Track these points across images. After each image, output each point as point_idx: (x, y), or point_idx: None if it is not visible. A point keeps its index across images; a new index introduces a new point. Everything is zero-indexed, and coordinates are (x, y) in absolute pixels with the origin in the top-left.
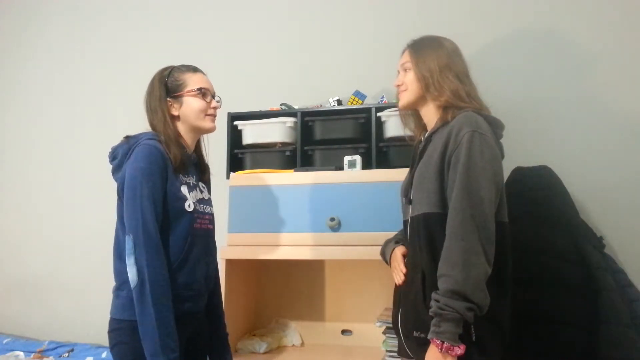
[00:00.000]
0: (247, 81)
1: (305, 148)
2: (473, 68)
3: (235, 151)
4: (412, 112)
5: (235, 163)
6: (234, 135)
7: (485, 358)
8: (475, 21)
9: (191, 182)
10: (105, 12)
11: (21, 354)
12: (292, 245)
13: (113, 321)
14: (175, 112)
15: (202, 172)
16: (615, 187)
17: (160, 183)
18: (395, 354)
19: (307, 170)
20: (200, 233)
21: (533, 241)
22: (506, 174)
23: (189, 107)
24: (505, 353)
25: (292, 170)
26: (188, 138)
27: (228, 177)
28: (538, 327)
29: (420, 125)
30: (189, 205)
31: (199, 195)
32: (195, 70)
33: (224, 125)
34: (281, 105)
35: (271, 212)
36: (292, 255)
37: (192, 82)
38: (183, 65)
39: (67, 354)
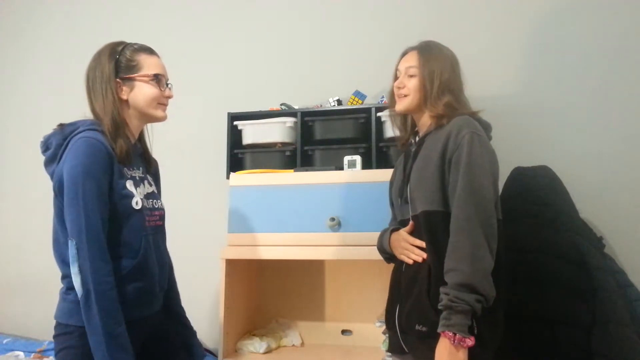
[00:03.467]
0: (247, 81)
1: (305, 148)
2: (473, 68)
3: (235, 151)
4: (404, 115)
5: (235, 163)
6: (234, 135)
7: (485, 350)
8: (475, 21)
9: (137, 175)
10: (105, 11)
11: (21, 354)
12: (292, 245)
13: (59, 326)
14: (124, 96)
15: (148, 163)
16: (615, 187)
17: (104, 180)
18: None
19: (307, 170)
20: (151, 232)
21: (533, 241)
22: (506, 174)
23: (141, 93)
24: (500, 345)
25: (292, 170)
26: (133, 126)
27: (228, 177)
28: (538, 327)
29: (408, 126)
30: (137, 203)
31: (147, 189)
32: (151, 52)
33: (224, 125)
34: (281, 105)
35: (271, 212)
36: (292, 255)
37: (147, 65)
38: (137, 44)
39: None
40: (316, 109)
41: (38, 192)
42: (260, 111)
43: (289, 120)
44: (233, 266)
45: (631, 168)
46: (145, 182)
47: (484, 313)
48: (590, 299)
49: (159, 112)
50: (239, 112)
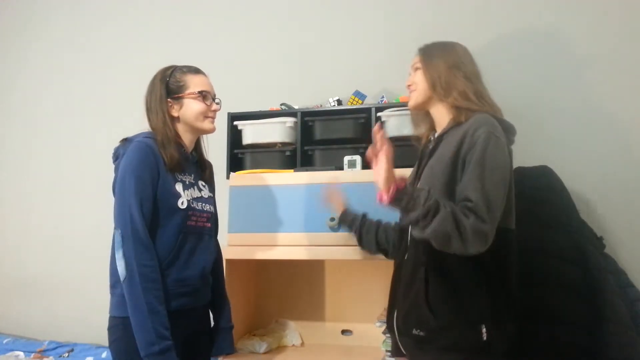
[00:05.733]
0: (247, 81)
1: (305, 148)
2: None
3: (235, 151)
4: (422, 113)
5: (235, 163)
6: (234, 135)
7: (492, 357)
8: (476, 22)
9: (188, 180)
10: (105, 12)
11: (21, 354)
12: (292, 245)
13: (111, 319)
14: (175, 113)
15: (202, 170)
16: (615, 187)
17: (149, 180)
18: None
19: (307, 170)
20: (194, 230)
21: (533, 241)
22: None
23: (189, 109)
24: (508, 354)
25: (292, 170)
26: (186, 138)
27: (228, 177)
28: (538, 327)
29: (430, 125)
30: (182, 203)
31: (197, 194)
32: (197, 71)
33: (224, 125)
34: (281, 105)
35: (271, 212)
36: (292, 255)
37: (194, 84)
38: (185, 66)
39: (67, 354)
40: (316, 109)
41: (39, 193)
42: (260, 111)
43: (289, 120)
44: (233, 266)
45: (631, 168)
46: (195, 187)
47: (492, 320)
48: (590, 299)
49: (206, 125)
50: (239, 112)
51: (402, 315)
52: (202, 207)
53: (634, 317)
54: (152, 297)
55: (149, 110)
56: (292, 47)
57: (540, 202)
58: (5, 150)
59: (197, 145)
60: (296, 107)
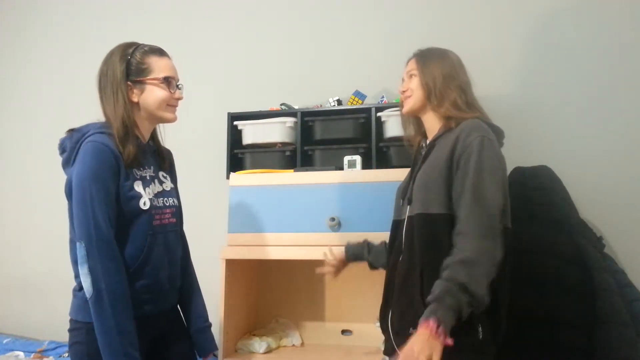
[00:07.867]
0: (247, 81)
1: (305, 148)
2: (474, 69)
3: (235, 151)
4: (413, 118)
5: (235, 163)
6: (234, 135)
7: (485, 356)
8: (476, 22)
9: (148, 175)
10: (104, 11)
11: (21, 354)
12: (292, 245)
13: (72, 321)
14: (134, 99)
15: (161, 160)
16: (615, 187)
17: (111, 184)
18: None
19: (307, 170)
20: (160, 230)
21: (533, 241)
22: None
23: (152, 95)
24: (502, 351)
25: (292, 170)
26: (144, 127)
27: (228, 177)
28: (538, 327)
29: (420, 130)
30: (144, 203)
31: (158, 188)
32: (161, 53)
33: (224, 125)
34: (281, 105)
35: (271, 212)
36: (292, 255)
37: (158, 68)
38: (147, 46)
39: (67, 354)
40: (316, 109)
41: (38, 192)
42: (260, 111)
43: (289, 120)
44: (233, 266)
45: (631, 168)
46: (156, 180)
47: (488, 316)
48: (590, 299)
49: (168, 114)
50: (239, 112)
51: (397, 315)
52: (164, 202)
53: (633, 316)
54: (122, 317)
55: (103, 92)
56: (292, 47)
57: (540, 202)
58: (5, 150)
59: (154, 133)
60: (296, 107)
